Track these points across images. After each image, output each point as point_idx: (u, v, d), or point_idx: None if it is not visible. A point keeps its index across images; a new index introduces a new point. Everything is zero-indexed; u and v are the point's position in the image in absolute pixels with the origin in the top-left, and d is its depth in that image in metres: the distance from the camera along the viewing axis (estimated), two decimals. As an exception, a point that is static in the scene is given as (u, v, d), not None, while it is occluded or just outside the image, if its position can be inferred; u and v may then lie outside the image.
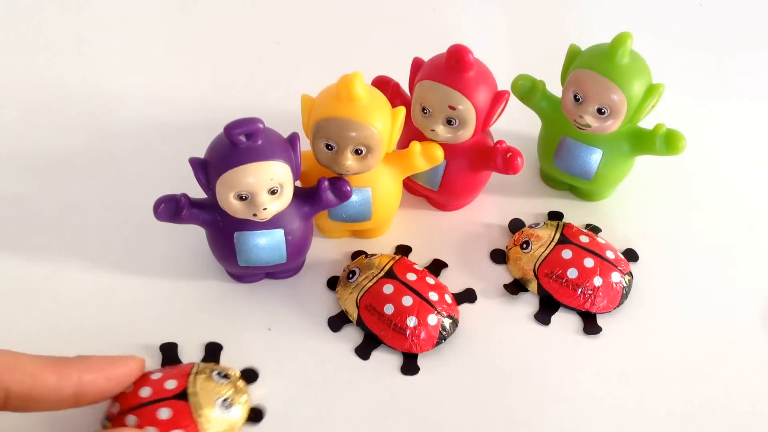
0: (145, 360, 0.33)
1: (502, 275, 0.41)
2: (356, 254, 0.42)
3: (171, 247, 0.42)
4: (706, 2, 0.62)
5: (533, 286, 0.40)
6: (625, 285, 0.40)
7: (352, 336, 0.38)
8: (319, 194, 0.37)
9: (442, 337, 0.37)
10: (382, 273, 0.39)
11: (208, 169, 0.34)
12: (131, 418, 0.31)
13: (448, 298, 0.39)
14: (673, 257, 0.42)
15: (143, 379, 0.33)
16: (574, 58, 0.40)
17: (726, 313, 0.40)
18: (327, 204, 0.37)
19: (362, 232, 0.43)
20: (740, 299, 0.41)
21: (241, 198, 0.34)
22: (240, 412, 0.34)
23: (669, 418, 0.35)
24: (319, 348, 0.37)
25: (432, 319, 0.37)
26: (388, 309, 0.37)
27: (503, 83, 0.40)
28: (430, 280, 0.39)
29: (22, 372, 0.28)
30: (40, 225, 0.43)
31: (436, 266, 0.41)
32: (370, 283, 0.38)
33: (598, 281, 0.39)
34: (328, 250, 0.42)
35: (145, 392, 0.32)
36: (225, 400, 0.33)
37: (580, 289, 0.39)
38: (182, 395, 0.32)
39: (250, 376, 0.36)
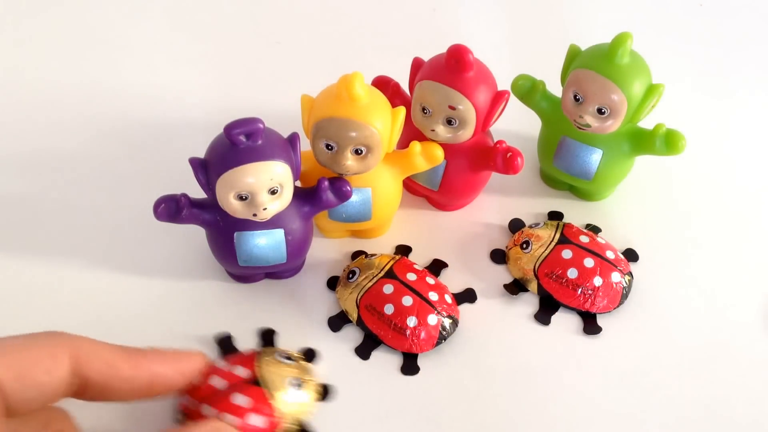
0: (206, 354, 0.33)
1: (502, 275, 0.41)
2: (356, 254, 0.42)
3: (171, 247, 0.42)
4: (706, 2, 0.62)
5: (533, 286, 0.40)
6: (625, 285, 0.40)
7: (352, 336, 0.38)
8: (319, 194, 0.37)
9: (442, 337, 0.37)
10: (382, 273, 0.39)
11: (208, 169, 0.34)
12: (206, 408, 0.31)
13: (448, 298, 0.39)
14: (673, 257, 0.42)
15: (211, 370, 0.33)
16: (574, 58, 0.40)
17: (726, 313, 0.40)
18: (327, 204, 0.37)
19: (362, 232, 0.43)
20: (740, 299, 0.41)
21: (241, 198, 0.34)
22: (310, 390, 0.34)
23: (669, 418, 0.35)
24: (319, 348, 0.37)
25: (432, 319, 0.37)
26: (388, 309, 0.37)
27: (503, 83, 0.40)
28: (430, 280, 0.39)
29: (100, 360, 0.28)
30: (40, 225, 0.43)
31: (436, 266, 0.41)
32: (370, 283, 0.38)
33: (598, 281, 0.39)
34: (328, 250, 0.42)
35: (217, 381, 0.32)
36: (295, 380, 0.34)
37: (580, 289, 0.39)
38: (254, 381, 0.33)
39: (310, 355, 0.37)
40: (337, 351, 0.37)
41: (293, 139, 0.35)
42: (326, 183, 0.37)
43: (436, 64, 0.38)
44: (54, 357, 0.27)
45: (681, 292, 0.41)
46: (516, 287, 0.41)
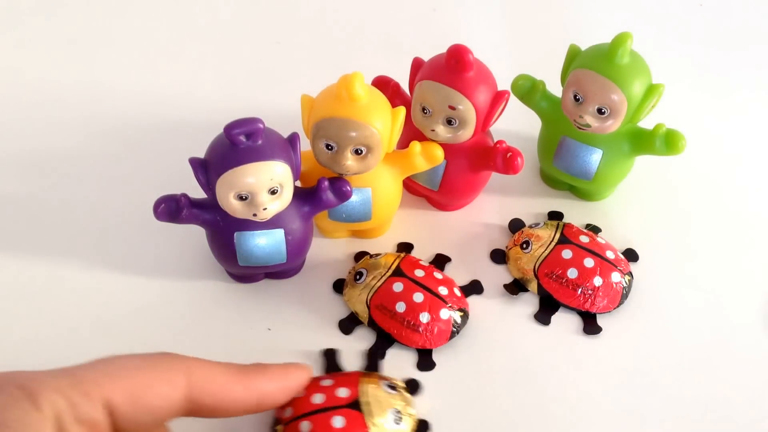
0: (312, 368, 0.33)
1: (502, 275, 0.41)
2: (359, 255, 0.42)
3: (171, 247, 0.42)
4: (706, 2, 0.62)
5: (533, 286, 0.40)
6: (625, 285, 0.40)
7: (363, 336, 0.38)
8: (319, 194, 0.37)
9: (454, 331, 0.37)
10: (390, 272, 0.39)
11: (208, 169, 0.34)
12: (305, 424, 0.31)
13: (457, 292, 0.39)
14: (673, 257, 0.42)
15: (313, 385, 0.33)
16: (574, 58, 0.40)
17: (726, 313, 0.40)
18: (327, 204, 0.37)
19: (362, 232, 0.43)
20: (740, 299, 0.41)
21: (241, 198, 0.34)
22: (408, 424, 0.33)
23: (669, 418, 0.35)
24: (323, 347, 0.37)
25: (444, 314, 0.37)
26: (400, 307, 0.37)
27: (503, 83, 0.40)
28: (438, 275, 0.39)
29: (215, 384, 0.28)
30: (40, 225, 0.43)
31: (440, 261, 0.41)
32: (379, 283, 0.38)
33: (598, 281, 0.39)
34: (328, 250, 0.42)
35: (318, 399, 0.32)
36: (397, 412, 0.33)
37: (580, 289, 0.39)
38: (355, 404, 0.32)
39: (414, 387, 0.36)
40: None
41: (293, 139, 0.35)
42: (326, 183, 0.37)
43: (436, 64, 0.38)
44: (169, 382, 0.27)
45: (681, 292, 0.41)
46: (516, 287, 0.41)
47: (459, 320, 0.38)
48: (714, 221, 0.45)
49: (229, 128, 0.32)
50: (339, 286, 0.40)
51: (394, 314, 0.37)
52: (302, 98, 0.37)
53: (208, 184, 0.34)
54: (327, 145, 0.36)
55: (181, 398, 0.27)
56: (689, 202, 0.46)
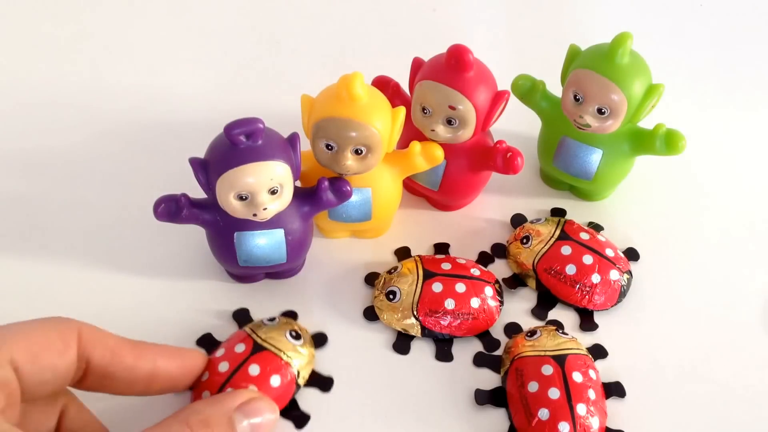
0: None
1: (502, 270, 0.41)
2: (370, 277, 0.40)
3: (171, 247, 0.42)
4: (706, 2, 0.62)
5: (532, 281, 0.40)
6: (623, 283, 0.40)
7: (387, 337, 0.38)
8: (319, 194, 0.37)
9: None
10: (420, 275, 0.39)
11: (208, 169, 0.34)
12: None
13: (489, 291, 0.39)
14: (674, 257, 0.43)
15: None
16: (574, 58, 0.40)
17: (726, 313, 0.40)
18: (327, 204, 0.37)
19: (362, 232, 0.43)
20: (740, 299, 0.41)
21: (241, 198, 0.34)
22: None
23: (666, 418, 0.35)
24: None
25: (474, 302, 0.38)
26: (449, 304, 0.37)
27: (503, 83, 0.40)
28: (475, 270, 0.39)
29: (104, 346, 0.29)
30: (40, 225, 0.43)
31: (484, 258, 0.42)
32: (418, 289, 0.38)
33: (596, 278, 0.39)
34: (328, 250, 0.42)
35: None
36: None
37: (578, 286, 0.39)
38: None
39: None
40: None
41: (293, 139, 0.35)
42: (326, 183, 0.37)
43: (436, 64, 0.38)
44: (64, 339, 0.28)
45: (681, 291, 0.41)
46: (515, 282, 0.41)
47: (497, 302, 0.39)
48: (715, 221, 0.45)
49: (229, 128, 0.32)
50: (369, 314, 0.39)
51: (445, 313, 0.38)
52: (302, 98, 0.37)
53: (208, 184, 0.34)
54: (327, 145, 0.36)
55: (75, 356, 0.28)
56: (690, 203, 0.46)
